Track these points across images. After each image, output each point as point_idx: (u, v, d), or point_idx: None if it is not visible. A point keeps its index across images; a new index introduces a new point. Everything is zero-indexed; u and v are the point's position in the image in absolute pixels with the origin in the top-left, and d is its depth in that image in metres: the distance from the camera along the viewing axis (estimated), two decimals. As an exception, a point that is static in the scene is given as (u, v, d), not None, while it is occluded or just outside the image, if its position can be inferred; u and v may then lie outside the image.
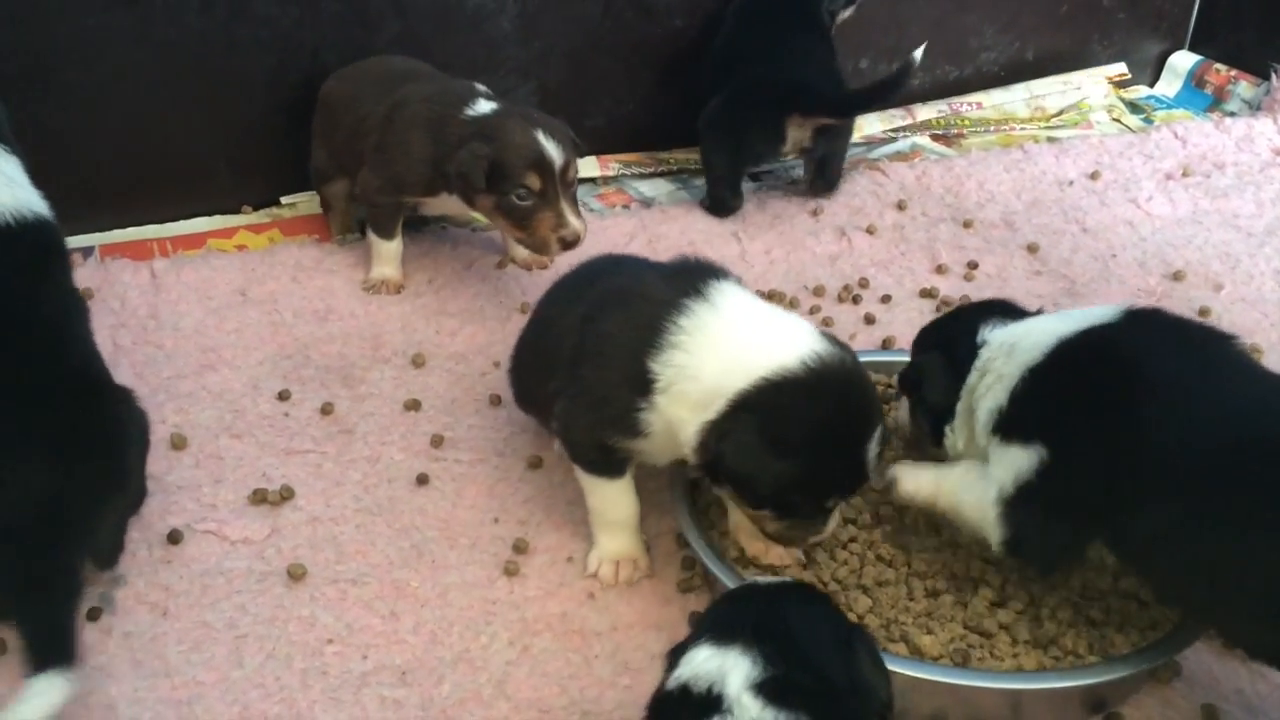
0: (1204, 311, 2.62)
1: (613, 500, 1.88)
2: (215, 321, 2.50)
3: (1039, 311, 1.89)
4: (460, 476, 2.12)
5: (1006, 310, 1.87)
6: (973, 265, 2.80)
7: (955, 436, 1.80)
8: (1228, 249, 2.89)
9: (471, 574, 1.92)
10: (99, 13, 2.65)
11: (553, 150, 2.29)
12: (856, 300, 2.66)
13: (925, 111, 3.56)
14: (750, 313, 1.73)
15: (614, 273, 1.91)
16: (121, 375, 2.29)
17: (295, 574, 1.89)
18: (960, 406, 1.78)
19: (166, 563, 1.92)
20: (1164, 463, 1.51)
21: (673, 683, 1.30)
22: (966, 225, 2.97)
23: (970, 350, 1.77)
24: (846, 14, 3.24)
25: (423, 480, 2.10)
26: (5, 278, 1.84)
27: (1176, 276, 2.77)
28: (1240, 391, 1.55)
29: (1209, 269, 2.81)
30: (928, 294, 2.69)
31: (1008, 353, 1.71)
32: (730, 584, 1.69)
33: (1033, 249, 2.87)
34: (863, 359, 1.77)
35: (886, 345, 2.47)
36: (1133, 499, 1.54)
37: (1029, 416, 1.65)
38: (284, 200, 3.00)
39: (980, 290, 2.70)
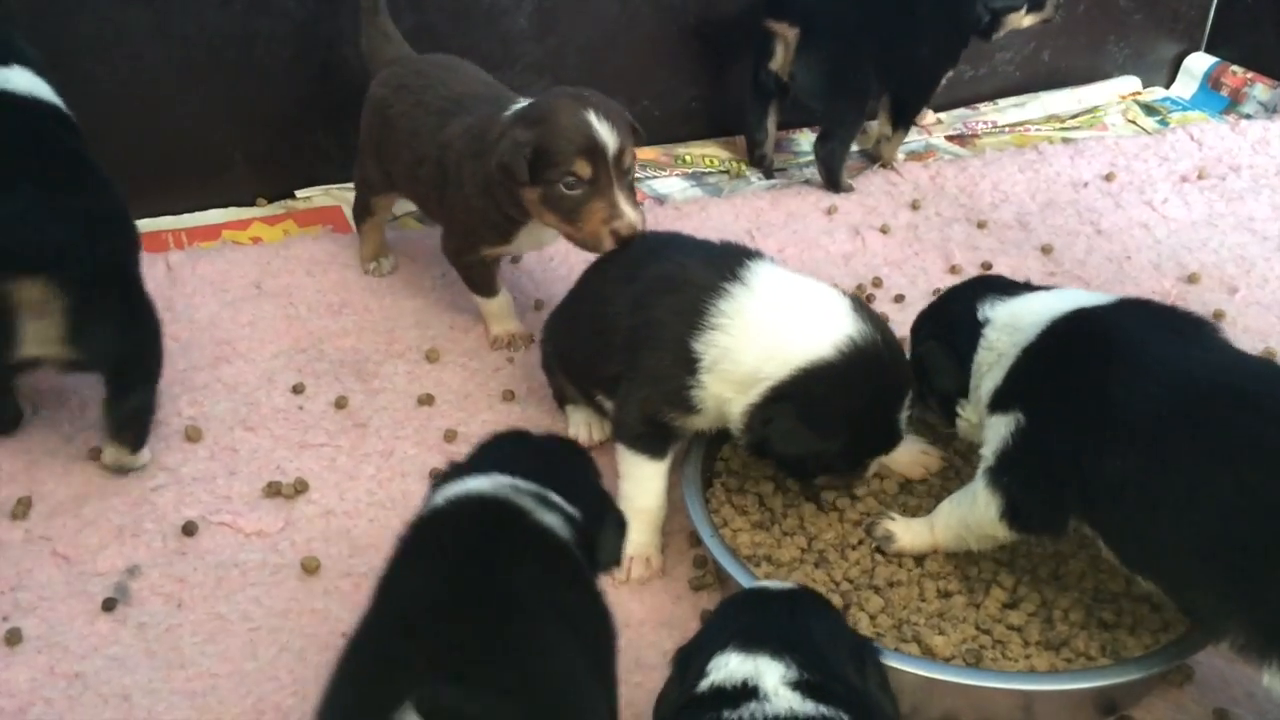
0: (1219, 314, 2.61)
1: (648, 482, 1.91)
2: (230, 314, 2.51)
3: (1026, 282, 1.94)
4: (473, 471, 2.12)
5: (1001, 286, 1.90)
6: (987, 266, 2.80)
7: (968, 415, 1.85)
8: (1243, 252, 2.88)
9: (484, 569, 1.92)
10: (118, 7, 2.67)
11: (605, 132, 2.04)
12: (870, 300, 2.66)
13: (940, 128, 3.55)
14: (785, 293, 1.82)
15: (663, 254, 1.95)
16: (137, 367, 2.31)
17: (309, 567, 1.90)
18: (972, 385, 1.83)
19: (181, 554, 1.93)
20: (1126, 417, 1.56)
21: (705, 686, 1.31)
22: (980, 226, 2.97)
23: (973, 332, 1.82)
24: (1026, 21, 3.20)
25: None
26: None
27: (1191, 279, 2.76)
28: (1203, 358, 1.61)
29: (1224, 272, 2.80)
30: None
31: (1010, 331, 1.77)
32: (744, 582, 1.70)
33: (1047, 250, 2.87)
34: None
35: (900, 345, 2.48)
36: (1098, 453, 1.58)
37: (1013, 389, 1.72)
38: (299, 194, 3.01)
39: (994, 291, 2.70)
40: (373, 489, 2.08)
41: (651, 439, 1.89)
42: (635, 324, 1.89)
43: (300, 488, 2.06)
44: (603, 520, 1.47)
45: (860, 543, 1.88)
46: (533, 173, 2.06)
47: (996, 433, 1.71)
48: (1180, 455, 1.52)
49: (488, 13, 2.98)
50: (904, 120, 3.22)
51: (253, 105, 2.88)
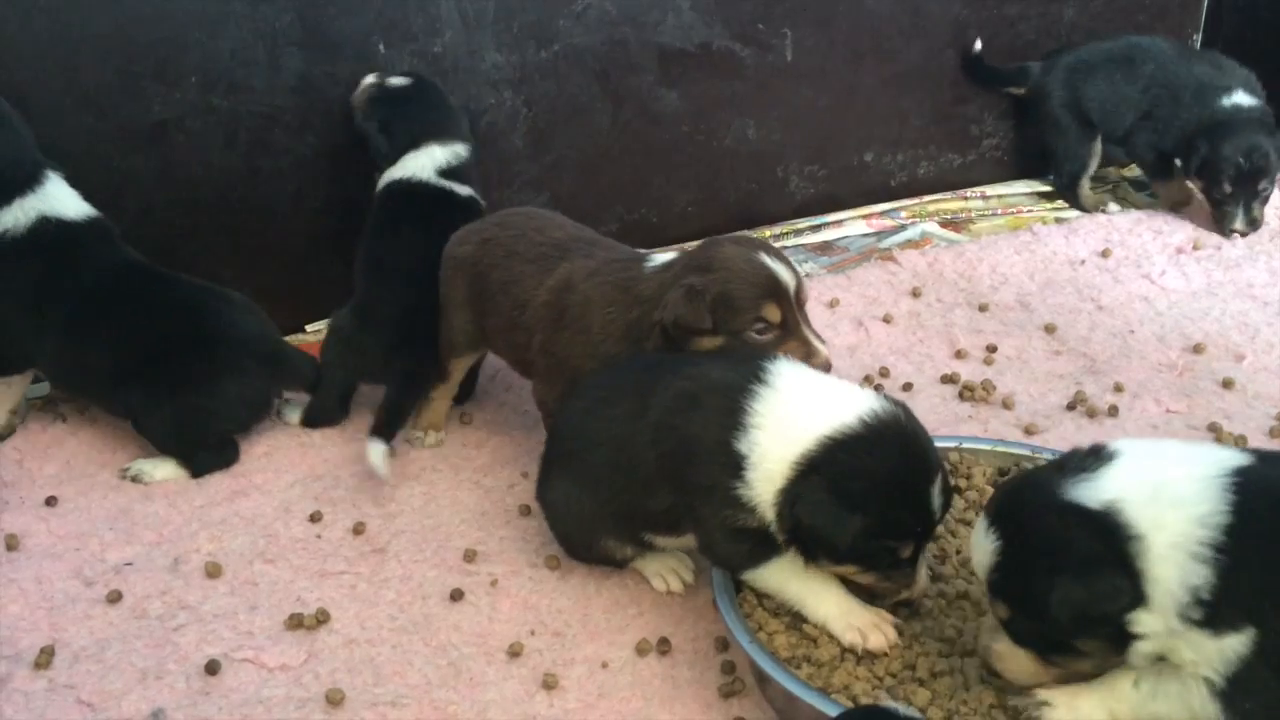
0: (1228, 383, 2.62)
1: (797, 577, 1.84)
2: (245, 446, 2.52)
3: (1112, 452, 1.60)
4: (494, 590, 2.11)
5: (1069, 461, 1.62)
6: (991, 348, 2.81)
7: (1151, 626, 1.50)
8: (1245, 319, 2.90)
9: (511, 690, 1.90)
10: (125, 154, 2.74)
11: (784, 272, 1.99)
12: (878, 389, 2.66)
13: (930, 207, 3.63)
14: (807, 384, 1.84)
15: (671, 372, 1.92)
16: (154, 505, 2.32)
17: (334, 699, 1.87)
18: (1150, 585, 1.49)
19: (205, 694, 1.91)
20: None
21: None
22: (982, 309, 2.99)
23: (1099, 526, 1.50)
24: None
25: (457, 596, 2.09)
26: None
27: (1197, 349, 2.77)
28: None
29: (1229, 340, 2.82)
30: (949, 379, 2.70)
31: (1170, 505, 1.49)
32: (791, 686, 1.68)
33: (1050, 329, 2.89)
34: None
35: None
36: None
37: (1235, 597, 1.46)
38: (309, 329, 3.04)
39: (1001, 373, 2.71)
40: (394, 614, 2.06)
41: (758, 549, 1.83)
42: (670, 449, 1.87)
43: (322, 618, 2.04)
44: None
45: (899, 634, 1.84)
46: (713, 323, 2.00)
47: (1220, 652, 1.47)
48: None
49: (484, 135, 3.05)
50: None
51: (259, 240, 2.93)
